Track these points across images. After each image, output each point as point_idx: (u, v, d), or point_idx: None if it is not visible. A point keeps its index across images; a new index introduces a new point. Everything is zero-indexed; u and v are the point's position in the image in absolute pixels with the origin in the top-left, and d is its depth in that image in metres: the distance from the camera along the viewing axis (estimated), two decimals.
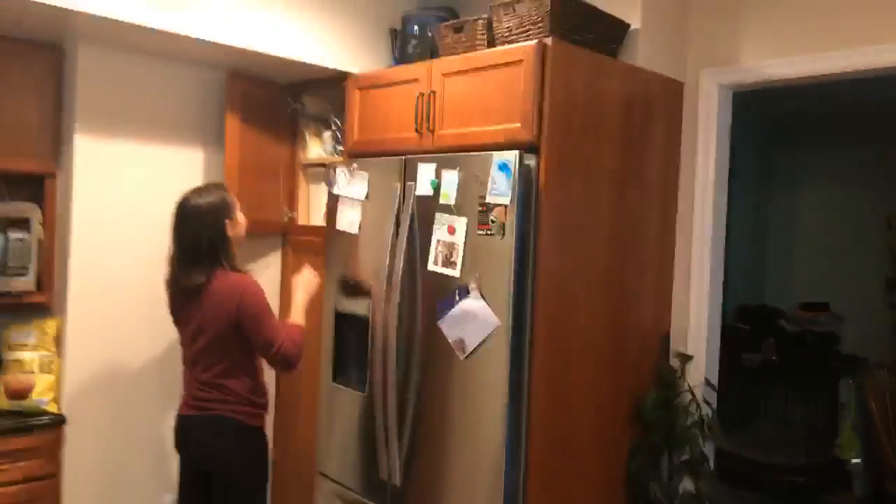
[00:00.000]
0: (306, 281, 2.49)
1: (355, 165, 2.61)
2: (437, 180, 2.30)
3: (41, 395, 2.54)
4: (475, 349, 2.16)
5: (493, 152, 2.14)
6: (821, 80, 2.45)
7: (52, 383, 2.58)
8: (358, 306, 2.60)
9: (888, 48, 2.24)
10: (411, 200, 2.38)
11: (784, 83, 2.50)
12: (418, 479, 2.33)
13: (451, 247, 2.26)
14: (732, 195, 2.79)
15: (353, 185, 2.62)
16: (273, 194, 3.07)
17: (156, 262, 2.44)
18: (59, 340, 2.63)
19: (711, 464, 2.62)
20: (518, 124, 2.16)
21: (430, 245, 2.32)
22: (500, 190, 2.10)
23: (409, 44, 2.72)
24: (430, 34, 2.66)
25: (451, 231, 2.25)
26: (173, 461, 2.57)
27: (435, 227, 2.31)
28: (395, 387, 2.36)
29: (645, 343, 2.56)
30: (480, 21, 2.41)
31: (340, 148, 2.95)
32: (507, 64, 2.20)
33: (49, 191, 2.68)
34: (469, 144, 2.30)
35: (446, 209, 2.27)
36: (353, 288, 2.62)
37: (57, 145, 2.68)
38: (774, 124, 5.50)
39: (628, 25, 2.46)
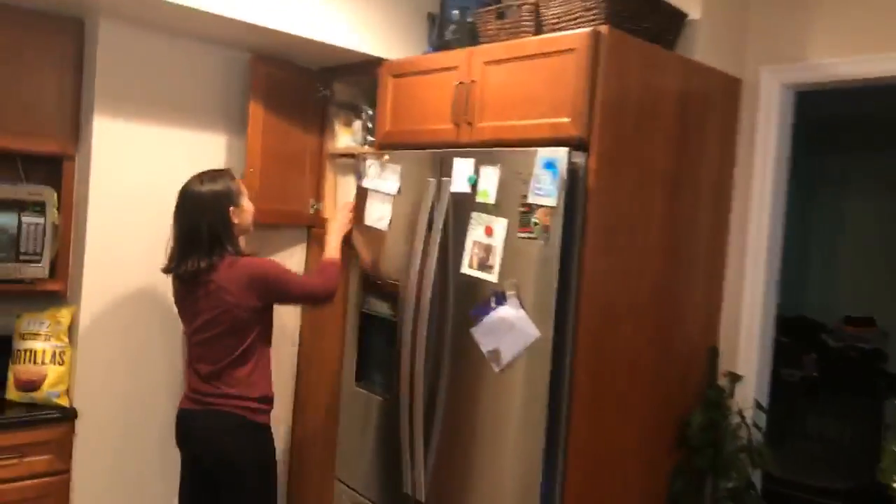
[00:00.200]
0: (341, 220, 2.55)
1: (387, 157, 2.46)
2: (475, 176, 2.14)
3: (53, 387, 2.43)
4: (511, 361, 2.00)
5: (538, 148, 1.97)
6: None
7: (64, 375, 2.46)
8: (384, 307, 2.45)
9: None
10: (446, 197, 2.22)
11: (857, 83, 2.29)
12: (444, 495, 2.18)
13: (487, 249, 2.09)
14: None
15: (384, 178, 2.46)
16: (298, 185, 2.93)
17: None
18: (72, 330, 2.52)
19: (759, 491, 2.43)
20: (566, 119, 1.98)
21: (464, 246, 2.16)
22: (546, 190, 1.93)
23: (447, 29, 2.55)
24: (470, 20, 2.49)
25: (489, 232, 2.09)
26: None
27: (471, 227, 2.15)
28: (423, 395, 2.21)
29: (691, 359, 2.38)
30: (527, 6, 2.23)
31: (371, 139, 2.80)
32: (556, 53, 2.03)
33: (67, 173, 2.57)
34: (510, 139, 2.14)
35: (484, 208, 2.11)
36: (379, 287, 2.47)
37: (76, 126, 2.56)
38: (817, 125, 5.23)
39: (686, 15, 2.27)
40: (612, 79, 1.97)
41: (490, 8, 2.37)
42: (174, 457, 2.37)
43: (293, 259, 3.06)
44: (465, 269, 2.15)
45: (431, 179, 2.28)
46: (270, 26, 2.40)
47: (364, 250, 2.55)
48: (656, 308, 2.21)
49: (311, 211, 2.97)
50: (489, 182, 2.10)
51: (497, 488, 2.03)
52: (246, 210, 2.28)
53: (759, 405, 2.44)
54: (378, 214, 2.49)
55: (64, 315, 2.49)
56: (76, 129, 2.56)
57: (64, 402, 2.45)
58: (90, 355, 2.53)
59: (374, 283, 2.50)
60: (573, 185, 1.94)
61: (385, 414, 2.42)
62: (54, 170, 2.56)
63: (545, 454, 1.93)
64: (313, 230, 3.05)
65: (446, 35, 2.53)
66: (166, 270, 2.24)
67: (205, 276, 2.15)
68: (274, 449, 2.31)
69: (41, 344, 2.44)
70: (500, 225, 2.06)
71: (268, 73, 2.75)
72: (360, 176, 2.56)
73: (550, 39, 2.07)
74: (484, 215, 2.11)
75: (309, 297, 2.38)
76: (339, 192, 3.08)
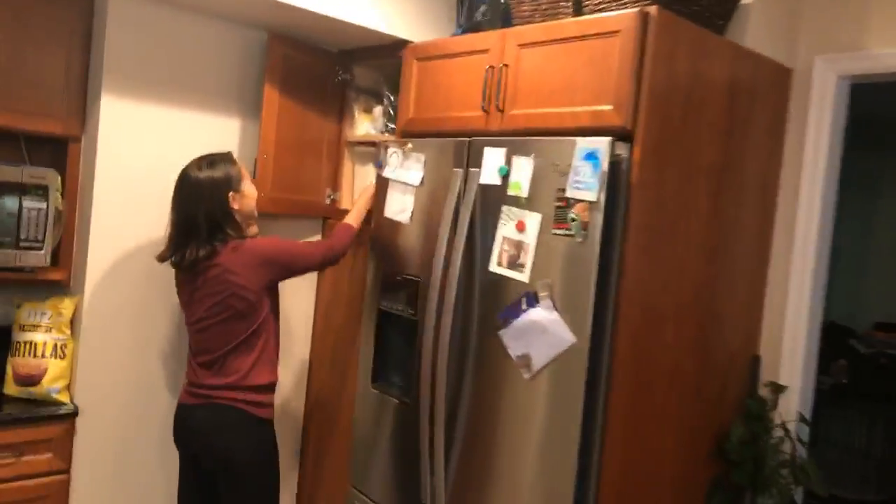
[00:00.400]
0: (368, 193, 2.48)
1: (410, 145, 2.31)
2: (506, 167, 1.99)
3: (53, 382, 2.30)
4: (542, 368, 1.85)
5: (578, 138, 1.82)
6: None
7: (66, 369, 2.34)
8: (404, 305, 2.30)
9: None
10: (474, 189, 2.07)
11: None
12: None
13: (518, 246, 1.94)
14: None
15: (406, 167, 2.31)
16: (314, 173, 2.78)
17: None
18: (75, 322, 2.39)
19: None
20: (609, 106, 1.83)
21: (492, 242, 2.01)
22: (586, 183, 1.78)
23: (477, 11, 2.39)
24: (502, 0, 2.33)
25: (521, 228, 1.94)
26: None
27: (500, 221, 2.00)
28: (445, 400, 2.07)
29: (730, 368, 2.22)
30: None
31: (392, 126, 2.65)
32: (599, 35, 1.87)
33: (72, 156, 2.43)
34: (545, 127, 1.98)
35: (516, 202, 1.96)
36: (399, 284, 2.33)
37: (83, 106, 2.42)
38: (848, 121, 5.03)
39: None
40: (661, 64, 1.81)
41: None
42: (178, 458, 2.24)
43: None
44: (493, 268, 2.00)
45: (458, 170, 2.13)
46: (290, 2, 2.25)
47: (383, 241, 2.41)
48: (698, 312, 2.05)
49: (328, 201, 2.83)
50: (522, 173, 1.95)
51: (525, 500, 1.89)
52: (247, 195, 2.20)
53: (802, 418, 2.28)
54: (399, 206, 2.35)
55: (66, 306, 2.36)
56: (83, 110, 2.43)
57: (65, 397, 2.33)
58: (93, 349, 2.40)
59: (393, 279, 2.35)
60: (615, 178, 1.78)
61: (403, 418, 2.28)
62: (59, 151, 2.43)
63: (578, 464, 1.78)
64: (329, 221, 2.90)
65: (476, 17, 2.38)
66: (161, 259, 2.17)
67: (205, 263, 2.08)
68: (276, 445, 2.21)
69: (42, 336, 2.31)
70: (533, 220, 1.91)
71: (285, 55, 2.60)
72: (380, 165, 2.41)
73: (593, 21, 1.91)
74: (515, 209, 1.96)
75: (318, 264, 2.33)
76: (357, 182, 2.93)
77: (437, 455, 2.09)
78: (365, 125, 2.81)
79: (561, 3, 2.09)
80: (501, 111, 2.10)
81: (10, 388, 2.29)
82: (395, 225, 2.36)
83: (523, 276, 1.92)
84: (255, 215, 2.27)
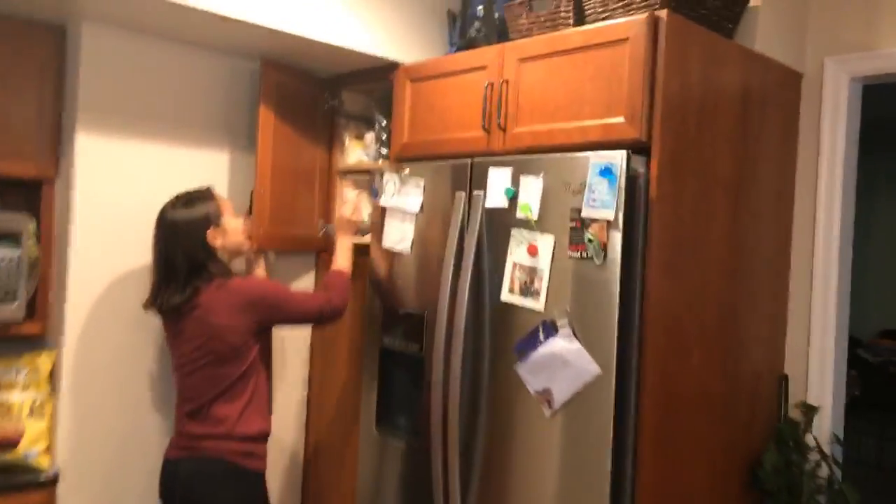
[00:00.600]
0: (346, 229, 2.29)
1: (408, 170, 2.18)
2: (513, 189, 1.87)
3: (32, 445, 2.11)
4: (565, 403, 1.71)
5: (591, 153, 1.70)
6: None
7: (45, 431, 2.15)
8: (408, 342, 2.16)
9: None
10: (479, 213, 1.95)
11: None
12: None
13: (531, 272, 1.81)
14: None
15: (404, 194, 2.19)
16: (307, 205, 2.64)
17: None
18: (53, 378, 2.21)
19: None
20: (621, 118, 1.72)
21: (503, 269, 1.88)
22: (602, 201, 1.66)
23: (470, 27, 2.29)
24: (497, 14, 2.23)
25: (533, 252, 1.81)
26: None
27: (511, 246, 1.87)
28: (458, 442, 1.92)
29: (758, 389, 2.09)
30: None
31: (385, 151, 2.52)
32: (605, 44, 1.77)
33: (46, 199, 2.28)
34: (551, 144, 1.87)
35: (526, 224, 1.83)
36: (402, 320, 2.18)
37: (56, 145, 2.28)
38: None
39: (747, 1, 2.01)
40: (674, 71, 1.70)
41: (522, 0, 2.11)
42: None
43: (300, 287, 2.76)
44: (505, 296, 1.87)
45: (460, 193, 2.01)
46: (275, 27, 2.13)
47: (383, 274, 2.26)
48: (723, 332, 1.93)
49: (320, 234, 2.68)
50: (531, 194, 1.83)
51: None
52: (230, 230, 2.09)
53: (837, 439, 2.15)
54: (398, 236, 2.21)
55: (43, 360, 2.18)
56: (57, 149, 2.28)
57: (44, 462, 2.14)
58: (74, 406, 2.22)
59: (395, 315, 2.21)
60: (632, 194, 1.67)
61: (412, 463, 2.12)
62: (33, 195, 2.28)
63: None
64: (322, 255, 2.76)
65: (470, 33, 2.27)
66: (146, 306, 2.05)
67: (187, 306, 1.96)
68: (267, 501, 2.07)
69: (18, 395, 2.13)
70: (545, 243, 1.78)
71: (278, 82, 2.46)
72: (376, 193, 2.28)
73: (599, 30, 1.81)
74: (526, 232, 1.83)
75: (314, 316, 2.10)
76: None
77: (453, 501, 1.93)
78: (357, 152, 2.68)
79: (561, 14, 1.99)
80: (503, 129, 1.99)
81: None
82: (394, 256, 2.22)
83: (538, 305, 1.79)
84: (245, 249, 2.16)
